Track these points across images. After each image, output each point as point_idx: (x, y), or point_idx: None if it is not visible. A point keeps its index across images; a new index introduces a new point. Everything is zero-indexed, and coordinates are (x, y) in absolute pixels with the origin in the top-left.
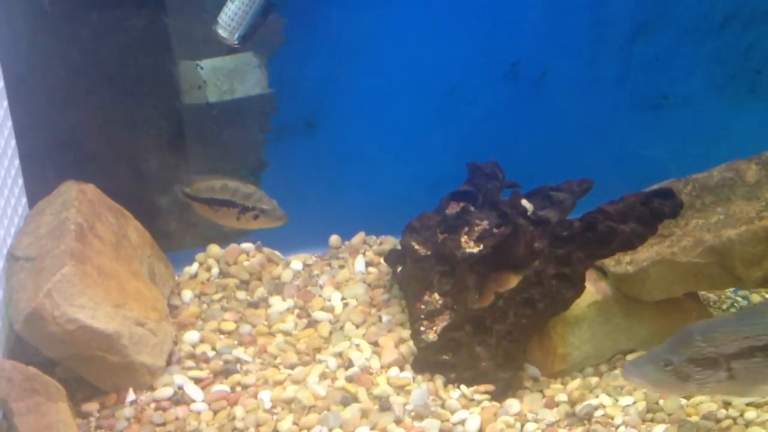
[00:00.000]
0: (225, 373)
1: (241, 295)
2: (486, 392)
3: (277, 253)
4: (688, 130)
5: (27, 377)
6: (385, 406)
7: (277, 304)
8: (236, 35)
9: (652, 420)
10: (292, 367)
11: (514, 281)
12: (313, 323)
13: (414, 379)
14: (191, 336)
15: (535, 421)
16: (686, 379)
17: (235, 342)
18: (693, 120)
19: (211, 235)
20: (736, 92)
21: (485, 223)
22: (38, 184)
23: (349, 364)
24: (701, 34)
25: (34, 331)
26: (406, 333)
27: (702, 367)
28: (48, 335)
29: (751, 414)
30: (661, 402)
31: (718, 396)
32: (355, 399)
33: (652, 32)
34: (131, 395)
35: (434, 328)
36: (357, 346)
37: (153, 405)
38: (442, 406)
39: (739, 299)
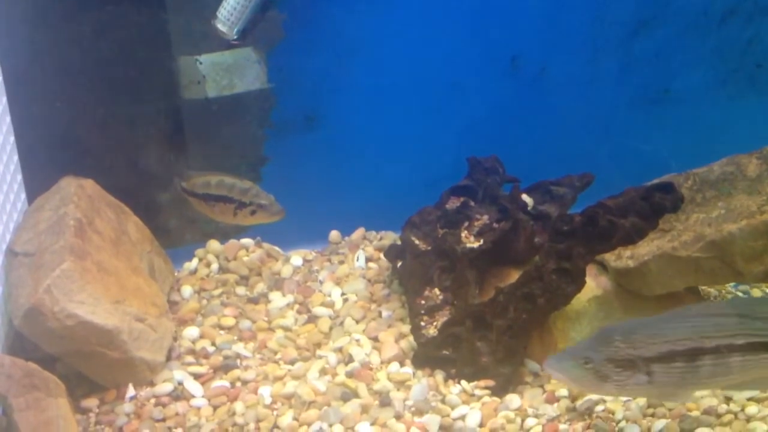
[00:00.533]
0: (225, 368)
1: (241, 290)
2: (486, 387)
3: (276, 248)
4: (688, 125)
5: (27, 373)
6: (385, 401)
7: (277, 299)
8: (235, 30)
9: (652, 415)
10: (292, 362)
11: (514, 276)
12: (313, 319)
13: (414, 374)
14: (191, 331)
15: (536, 416)
16: (605, 379)
17: (235, 337)
18: (694, 114)
19: (211, 231)
20: (736, 86)
21: (485, 218)
22: (37, 179)
23: (349, 360)
24: (702, 28)
25: (33, 326)
26: (406, 328)
27: (621, 369)
28: (47, 331)
29: (752, 409)
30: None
31: (719, 391)
32: (355, 394)
33: (652, 27)
34: (131, 391)
35: (434, 324)
36: (357, 341)
37: (153, 401)
38: (443, 402)
39: (739, 294)
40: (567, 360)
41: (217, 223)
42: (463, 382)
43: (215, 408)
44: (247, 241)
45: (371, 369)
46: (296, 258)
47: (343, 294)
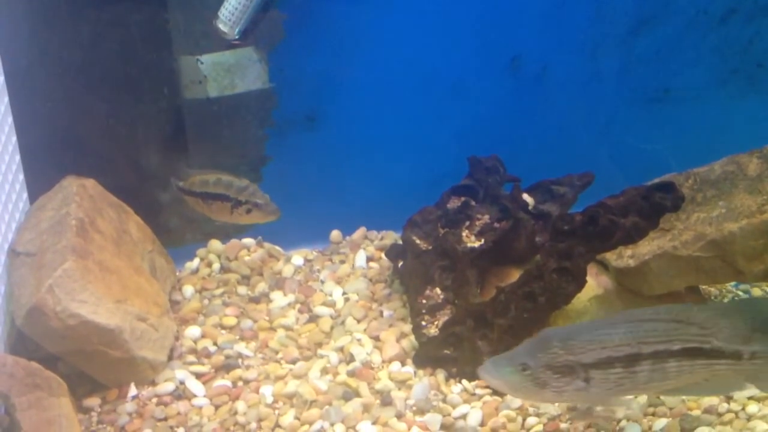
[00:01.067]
0: (226, 368)
1: (242, 290)
2: (487, 386)
3: (277, 248)
4: (689, 124)
5: (29, 372)
6: (386, 400)
7: (279, 299)
8: (236, 30)
9: (653, 414)
10: (293, 361)
11: (515, 275)
12: (314, 318)
13: (415, 373)
14: (192, 331)
15: (537, 415)
16: (543, 385)
17: (237, 337)
18: (694, 114)
19: (212, 231)
20: (737, 86)
21: (486, 218)
22: (39, 179)
23: (351, 359)
24: (702, 27)
25: (35, 326)
26: (407, 327)
27: (560, 375)
28: (50, 330)
29: (752, 408)
30: (662, 396)
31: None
32: (356, 394)
33: (653, 26)
34: (133, 390)
35: (435, 323)
36: (358, 340)
37: (155, 400)
38: (444, 401)
39: (740, 293)
40: (504, 366)
41: (219, 223)
42: (465, 381)
43: (217, 407)
44: (248, 240)
45: (372, 368)
46: (297, 257)
47: (344, 293)
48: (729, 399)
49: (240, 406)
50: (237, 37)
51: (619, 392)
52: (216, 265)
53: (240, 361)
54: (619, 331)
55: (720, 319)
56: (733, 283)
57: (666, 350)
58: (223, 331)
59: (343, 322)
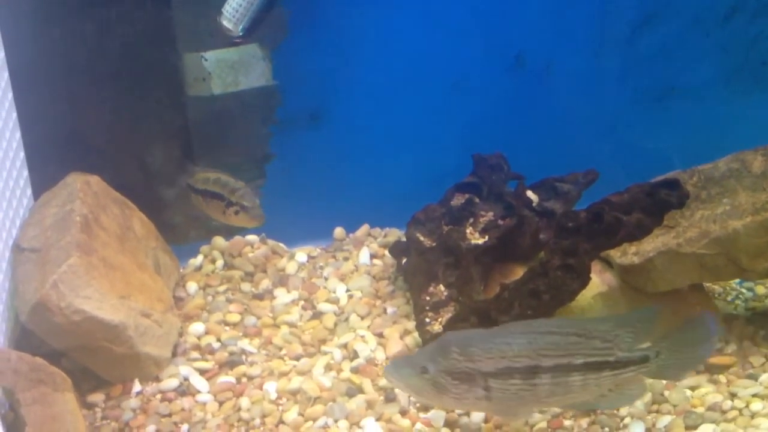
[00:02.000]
0: (230, 364)
1: (246, 287)
2: None
3: (281, 245)
4: (693, 122)
5: (33, 368)
6: (390, 397)
7: (282, 295)
8: (240, 27)
9: (657, 411)
10: (297, 358)
11: (519, 273)
12: (318, 315)
13: None
14: (196, 327)
15: (541, 411)
16: (444, 391)
17: (240, 333)
18: (698, 111)
19: (216, 228)
20: (741, 84)
21: (490, 215)
22: (43, 175)
23: (354, 356)
24: (707, 25)
25: (40, 322)
26: (410, 324)
27: (459, 381)
28: (54, 326)
29: (756, 405)
30: (666, 393)
31: (725, 387)
32: (360, 390)
33: (657, 23)
34: (137, 386)
35: (439, 320)
36: (362, 337)
37: (159, 396)
38: None
39: (744, 291)
40: (405, 368)
41: (215, 223)
42: None
43: (221, 403)
44: (252, 237)
45: (376, 365)
46: (301, 255)
47: (347, 290)
48: (733, 396)
49: (244, 402)
50: (241, 34)
51: (521, 403)
52: (219, 262)
53: (244, 357)
54: (519, 342)
55: (620, 330)
56: (736, 281)
57: (568, 364)
58: (227, 328)
59: (346, 319)
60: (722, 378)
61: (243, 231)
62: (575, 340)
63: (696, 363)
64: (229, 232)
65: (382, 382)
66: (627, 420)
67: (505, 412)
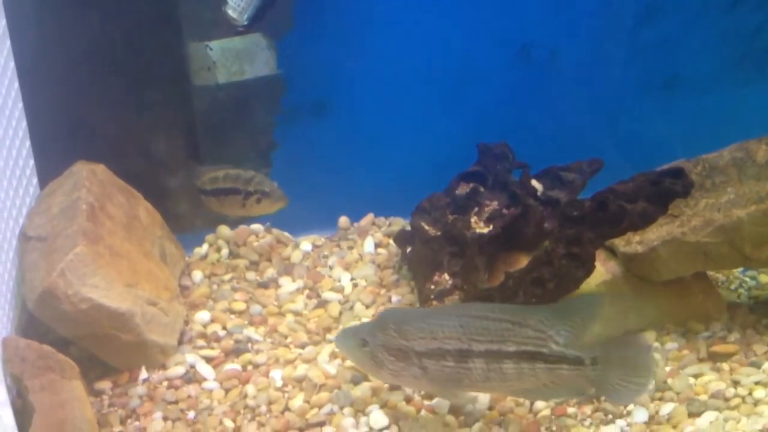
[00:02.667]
0: (236, 352)
1: (251, 275)
2: None
3: (286, 234)
4: (697, 111)
5: (41, 355)
6: (395, 384)
7: (287, 284)
8: (245, 16)
9: (660, 399)
10: (302, 346)
11: (523, 261)
12: (322, 303)
13: None
14: (202, 316)
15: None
16: (381, 365)
17: (246, 322)
18: (703, 101)
19: (221, 217)
20: (745, 73)
21: (495, 204)
22: (49, 164)
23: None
24: (711, 14)
25: (47, 310)
26: None
27: (395, 358)
28: (61, 314)
29: (759, 393)
30: (669, 381)
31: (727, 375)
32: (365, 378)
33: (661, 13)
34: (144, 374)
35: None
36: None
37: (165, 383)
38: None
39: (747, 279)
40: (350, 339)
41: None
42: None
43: (227, 391)
44: (256, 226)
45: None
46: (306, 244)
47: (352, 279)
48: (736, 384)
49: (250, 389)
50: (246, 23)
51: (458, 387)
52: (225, 251)
53: (249, 345)
54: (450, 324)
55: (557, 321)
56: (740, 269)
57: (500, 351)
58: (233, 316)
59: (351, 308)
60: (725, 366)
61: (249, 220)
62: (507, 327)
63: (637, 391)
64: (236, 220)
65: None
66: (630, 407)
67: (442, 392)
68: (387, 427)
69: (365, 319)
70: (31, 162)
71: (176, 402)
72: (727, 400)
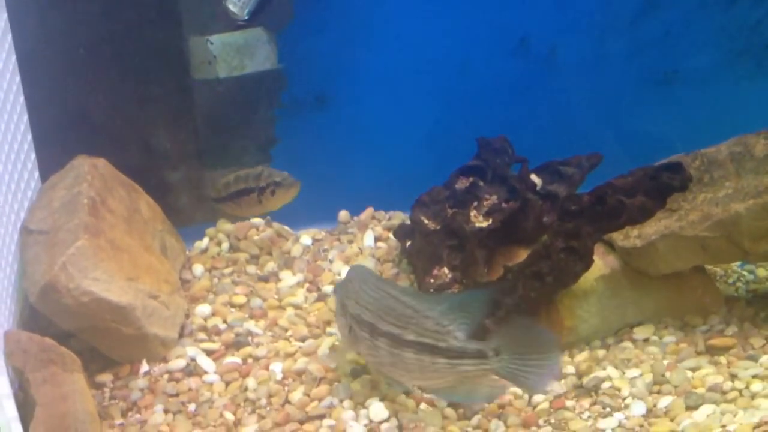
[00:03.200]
0: (236, 345)
1: (251, 269)
2: None
3: (286, 228)
4: (696, 106)
5: (43, 348)
6: None
7: (288, 278)
8: (246, 11)
9: (658, 392)
10: (302, 339)
11: (522, 255)
12: (323, 297)
13: None
14: (203, 309)
15: (543, 392)
16: (337, 315)
17: (246, 315)
18: (702, 95)
19: (221, 211)
20: (744, 68)
21: (494, 198)
22: (50, 158)
23: None
24: (711, 9)
25: (49, 303)
26: None
27: (340, 313)
28: (63, 307)
29: (757, 386)
30: (667, 374)
31: (725, 368)
32: (364, 371)
33: (661, 7)
34: (144, 366)
35: None
36: None
37: (166, 376)
38: None
39: (745, 273)
40: (337, 286)
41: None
42: None
43: (227, 384)
44: (257, 220)
45: None
46: (306, 237)
47: None
48: (733, 377)
49: (250, 382)
50: (246, 17)
51: (377, 363)
52: (225, 245)
53: (250, 338)
54: (372, 295)
55: (457, 314)
56: (738, 263)
57: (400, 336)
58: (233, 310)
59: None
60: (723, 359)
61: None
62: (410, 314)
63: (550, 369)
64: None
65: None
66: (628, 400)
67: (381, 369)
68: (386, 420)
69: None
70: (33, 155)
71: (177, 395)
72: (724, 393)
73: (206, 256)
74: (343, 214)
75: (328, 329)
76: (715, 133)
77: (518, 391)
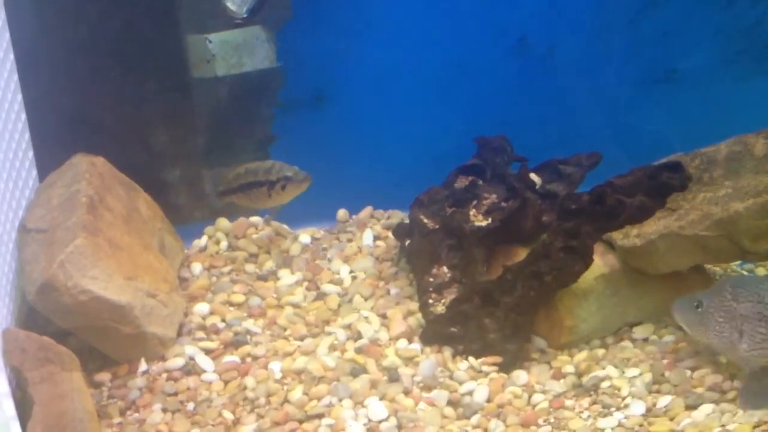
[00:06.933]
0: (235, 344)
1: (250, 267)
2: (493, 364)
3: (285, 226)
4: (695, 105)
5: (41, 347)
6: (393, 377)
7: (286, 276)
8: (245, 9)
9: (658, 391)
10: (301, 338)
11: (522, 254)
12: (321, 296)
13: (422, 350)
14: (201, 308)
15: (543, 392)
16: (707, 326)
17: (245, 314)
18: (701, 94)
19: (220, 209)
20: (743, 67)
21: (493, 197)
22: (48, 157)
23: (358, 336)
24: (709, 7)
25: (47, 302)
26: (413, 306)
27: (723, 319)
28: (61, 306)
29: None
30: (667, 373)
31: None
32: (364, 370)
33: (660, 6)
34: (143, 365)
35: (442, 301)
36: (365, 318)
37: (165, 375)
38: (451, 378)
39: (744, 273)
40: (685, 302)
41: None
42: (471, 359)
43: (226, 383)
44: (255, 219)
45: (380, 345)
46: (305, 236)
47: (351, 271)
48: (732, 377)
49: (249, 381)
50: (245, 15)
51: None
52: (224, 243)
53: (248, 337)
54: None
55: None
56: (737, 263)
57: None
58: (232, 308)
59: (350, 300)
60: (722, 359)
61: (248, 213)
62: None
63: None
64: (235, 212)
65: (386, 362)
66: (628, 400)
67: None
68: (386, 419)
69: (364, 312)
70: (31, 154)
71: (176, 394)
72: (723, 392)
73: (205, 255)
74: (342, 213)
75: (327, 328)
76: (715, 132)
77: (518, 390)
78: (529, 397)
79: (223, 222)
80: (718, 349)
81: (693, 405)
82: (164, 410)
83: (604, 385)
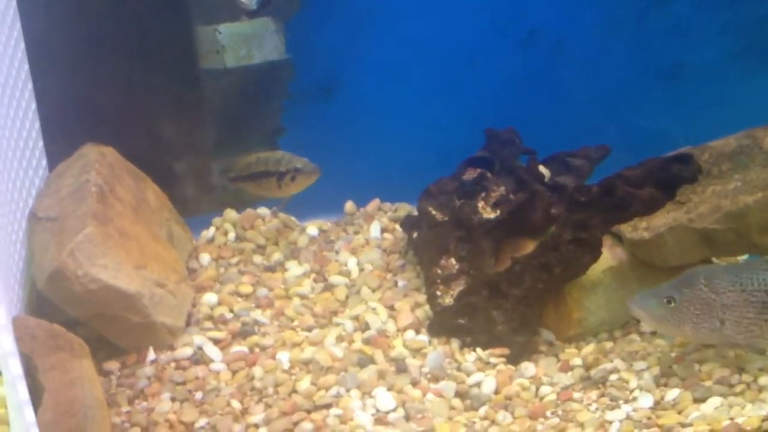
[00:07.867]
0: (243, 334)
1: (258, 259)
2: (501, 355)
3: (293, 218)
4: (703, 99)
5: (51, 334)
6: (401, 368)
7: (294, 268)
8: (254, 0)
9: (666, 385)
10: (309, 329)
11: (530, 247)
12: (329, 287)
13: (429, 342)
14: (209, 298)
15: (551, 384)
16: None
17: (253, 305)
18: (708, 89)
19: (227, 201)
20: (751, 62)
21: (502, 189)
22: (58, 146)
23: (366, 327)
24: (717, 4)
25: (57, 290)
26: (421, 297)
27: (700, 312)
28: (71, 294)
29: (764, 379)
30: (674, 367)
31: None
32: (371, 361)
33: (668, 2)
34: (152, 354)
35: (450, 293)
36: (373, 309)
37: (173, 364)
38: (458, 369)
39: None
40: (650, 298)
41: (236, 193)
42: (479, 350)
43: (234, 372)
44: (263, 210)
45: (387, 336)
46: (312, 228)
47: (358, 263)
48: (741, 370)
49: (257, 371)
50: (255, 7)
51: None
52: (231, 234)
53: (256, 328)
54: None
55: None
56: (746, 256)
57: None
58: (239, 299)
59: (358, 291)
60: (730, 352)
61: (257, 204)
62: None
63: None
64: (243, 204)
65: (394, 353)
66: (636, 393)
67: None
68: (393, 410)
69: (372, 303)
70: (41, 144)
71: (184, 383)
72: (731, 386)
73: (213, 246)
74: (350, 206)
75: (335, 319)
76: (722, 127)
77: (525, 382)
78: (537, 389)
79: (231, 213)
80: (693, 339)
81: (701, 398)
82: (172, 399)
83: (612, 377)
